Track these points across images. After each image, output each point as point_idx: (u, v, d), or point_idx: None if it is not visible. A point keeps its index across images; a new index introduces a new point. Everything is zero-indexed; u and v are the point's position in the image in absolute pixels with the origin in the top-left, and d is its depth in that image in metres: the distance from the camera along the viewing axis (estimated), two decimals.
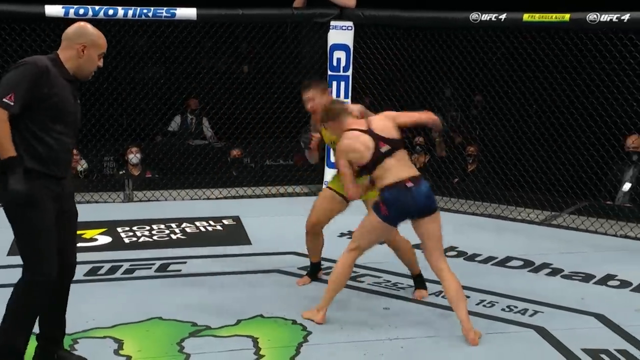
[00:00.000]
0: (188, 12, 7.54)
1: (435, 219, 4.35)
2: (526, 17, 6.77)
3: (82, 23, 3.75)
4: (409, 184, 4.26)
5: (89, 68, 3.69)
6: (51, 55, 3.66)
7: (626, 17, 6.31)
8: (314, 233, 5.17)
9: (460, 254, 6.06)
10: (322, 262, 5.36)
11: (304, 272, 5.45)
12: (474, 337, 4.27)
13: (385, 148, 4.33)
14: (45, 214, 3.60)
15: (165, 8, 7.49)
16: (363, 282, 5.32)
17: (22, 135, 3.50)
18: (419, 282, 5.11)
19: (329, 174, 7.78)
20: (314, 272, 5.33)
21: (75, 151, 8.17)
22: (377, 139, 4.34)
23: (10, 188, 3.44)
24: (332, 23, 7.78)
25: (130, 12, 7.43)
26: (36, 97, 3.48)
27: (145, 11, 7.45)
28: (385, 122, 4.46)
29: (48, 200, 3.60)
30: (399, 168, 4.32)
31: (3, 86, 3.43)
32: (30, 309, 3.70)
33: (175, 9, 7.50)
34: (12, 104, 3.38)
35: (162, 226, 6.76)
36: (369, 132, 4.38)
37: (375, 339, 4.37)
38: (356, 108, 4.76)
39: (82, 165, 8.48)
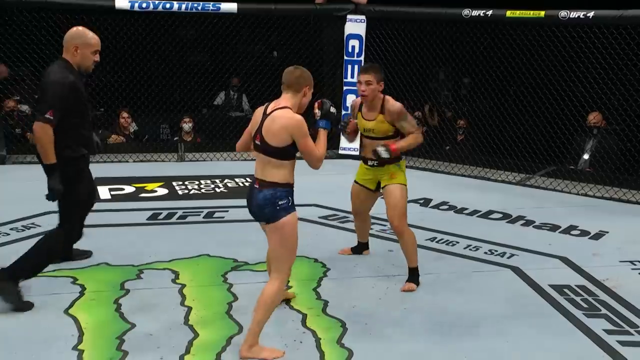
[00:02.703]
0: (230, 7, 7.48)
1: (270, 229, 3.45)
2: (509, 13, 6.75)
3: (78, 27, 3.81)
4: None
5: (85, 64, 3.76)
6: (63, 62, 3.72)
7: (591, 14, 6.32)
8: (360, 219, 4.66)
9: (451, 207, 6.04)
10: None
11: (324, 221, 5.43)
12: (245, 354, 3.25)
13: None
14: (86, 187, 3.94)
15: (211, 2, 7.46)
16: (372, 229, 5.27)
17: (66, 132, 3.68)
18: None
19: (344, 141, 7.76)
20: (359, 248, 4.79)
21: (126, 114, 8.12)
22: None
23: (51, 187, 3.65)
24: (348, 16, 7.75)
25: (183, 6, 7.41)
26: (68, 106, 3.65)
27: (195, 5, 7.43)
28: None
29: (88, 170, 3.94)
30: None
31: (42, 103, 3.62)
32: (55, 253, 3.91)
33: (220, 4, 7.46)
34: (52, 118, 3.58)
35: (209, 181, 6.77)
36: None
37: (382, 275, 4.39)
38: None
39: (132, 127, 8.36)
